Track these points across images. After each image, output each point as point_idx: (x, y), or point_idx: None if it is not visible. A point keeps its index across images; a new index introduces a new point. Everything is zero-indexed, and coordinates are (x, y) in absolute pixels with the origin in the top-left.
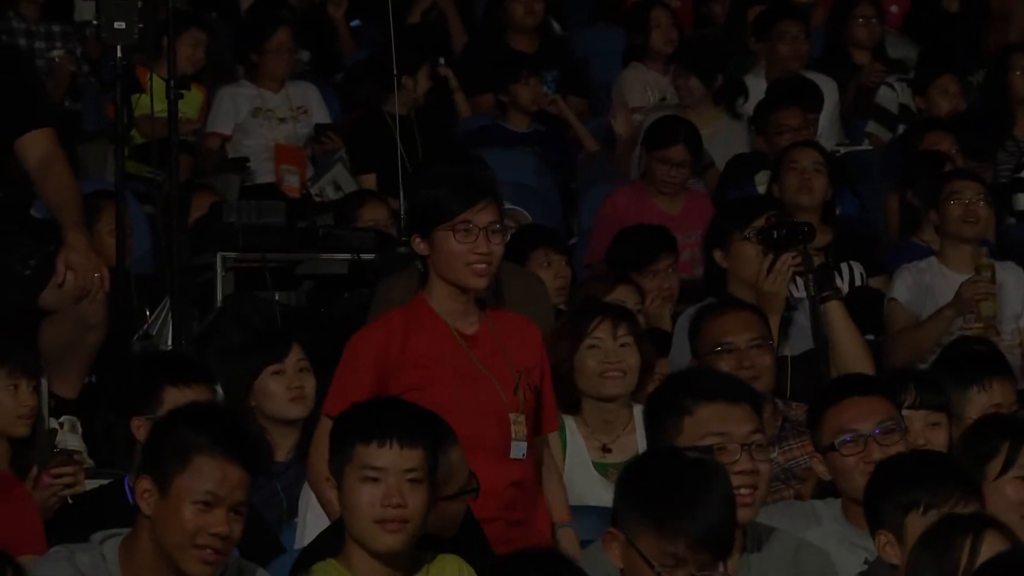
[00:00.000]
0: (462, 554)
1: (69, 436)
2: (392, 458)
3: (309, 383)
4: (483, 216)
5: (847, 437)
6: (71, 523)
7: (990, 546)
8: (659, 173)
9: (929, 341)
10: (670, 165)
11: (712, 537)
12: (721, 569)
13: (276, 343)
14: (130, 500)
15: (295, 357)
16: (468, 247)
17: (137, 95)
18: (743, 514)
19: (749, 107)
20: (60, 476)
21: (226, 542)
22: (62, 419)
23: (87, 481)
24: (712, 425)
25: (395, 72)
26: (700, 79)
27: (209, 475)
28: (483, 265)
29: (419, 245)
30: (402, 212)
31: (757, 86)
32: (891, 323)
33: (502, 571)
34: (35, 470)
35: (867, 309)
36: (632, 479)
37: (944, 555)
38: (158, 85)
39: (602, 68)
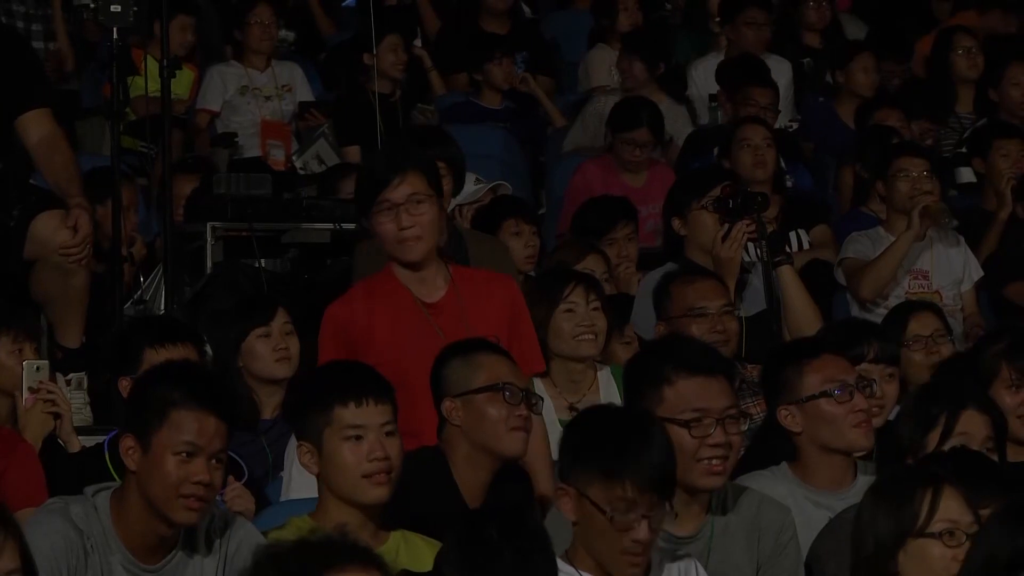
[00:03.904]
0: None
1: (75, 393)
2: (370, 415)
3: (294, 345)
4: (399, 192)
5: (839, 388)
6: (66, 477)
7: (947, 500)
8: (624, 153)
9: (892, 267)
10: (634, 146)
11: (657, 477)
12: (668, 508)
13: (262, 307)
14: (106, 458)
15: (280, 320)
16: (393, 224)
17: (132, 77)
18: (713, 482)
19: (692, 93)
20: (38, 391)
21: (208, 489)
22: (70, 376)
23: (88, 437)
24: (691, 400)
25: (374, 52)
26: (644, 64)
27: (187, 427)
28: (410, 238)
29: (369, 227)
30: None
31: (714, 67)
32: (850, 271)
33: (465, 523)
34: (19, 398)
35: (815, 276)
36: (577, 433)
37: (903, 506)
38: (152, 66)
39: (570, 49)
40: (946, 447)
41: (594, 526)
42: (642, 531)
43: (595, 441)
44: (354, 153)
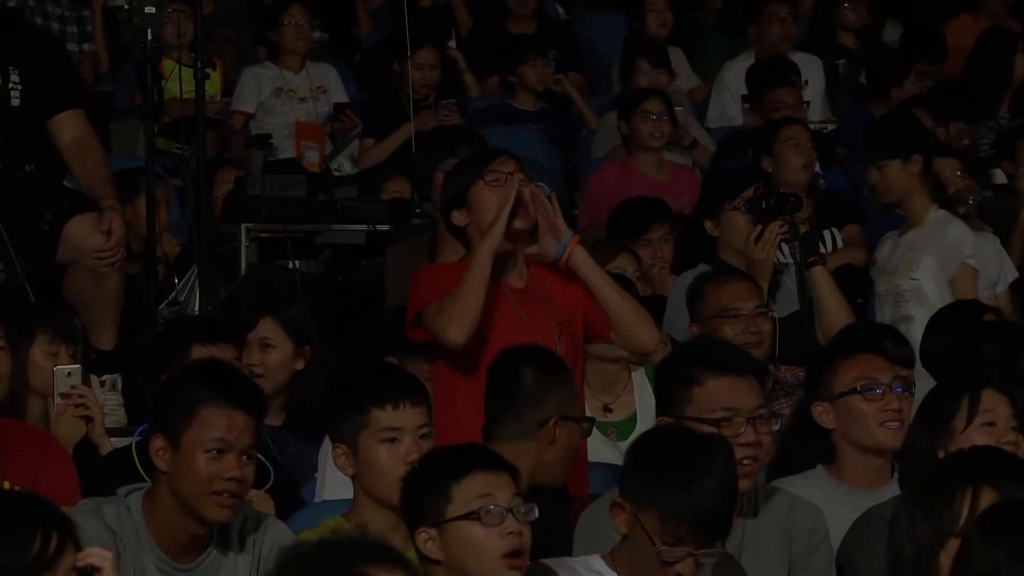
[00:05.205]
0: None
1: (109, 395)
2: (407, 418)
3: (267, 359)
4: (506, 166)
5: (875, 388)
6: (98, 479)
7: (987, 500)
8: (644, 129)
9: None
10: (652, 116)
11: (712, 521)
12: (719, 545)
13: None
14: (134, 458)
15: (258, 333)
16: (500, 193)
17: (165, 80)
18: (743, 484)
19: (724, 95)
20: (69, 396)
21: (240, 485)
22: (104, 377)
23: (122, 439)
24: (721, 399)
25: (408, 55)
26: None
27: (216, 424)
28: (519, 207)
29: (458, 217)
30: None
31: (746, 68)
32: None
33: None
34: (51, 403)
35: (848, 278)
36: (641, 455)
37: (943, 506)
38: (181, 70)
39: (605, 51)
40: (973, 428)
41: (642, 548)
42: (687, 567)
43: (657, 472)
44: (368, 143)
